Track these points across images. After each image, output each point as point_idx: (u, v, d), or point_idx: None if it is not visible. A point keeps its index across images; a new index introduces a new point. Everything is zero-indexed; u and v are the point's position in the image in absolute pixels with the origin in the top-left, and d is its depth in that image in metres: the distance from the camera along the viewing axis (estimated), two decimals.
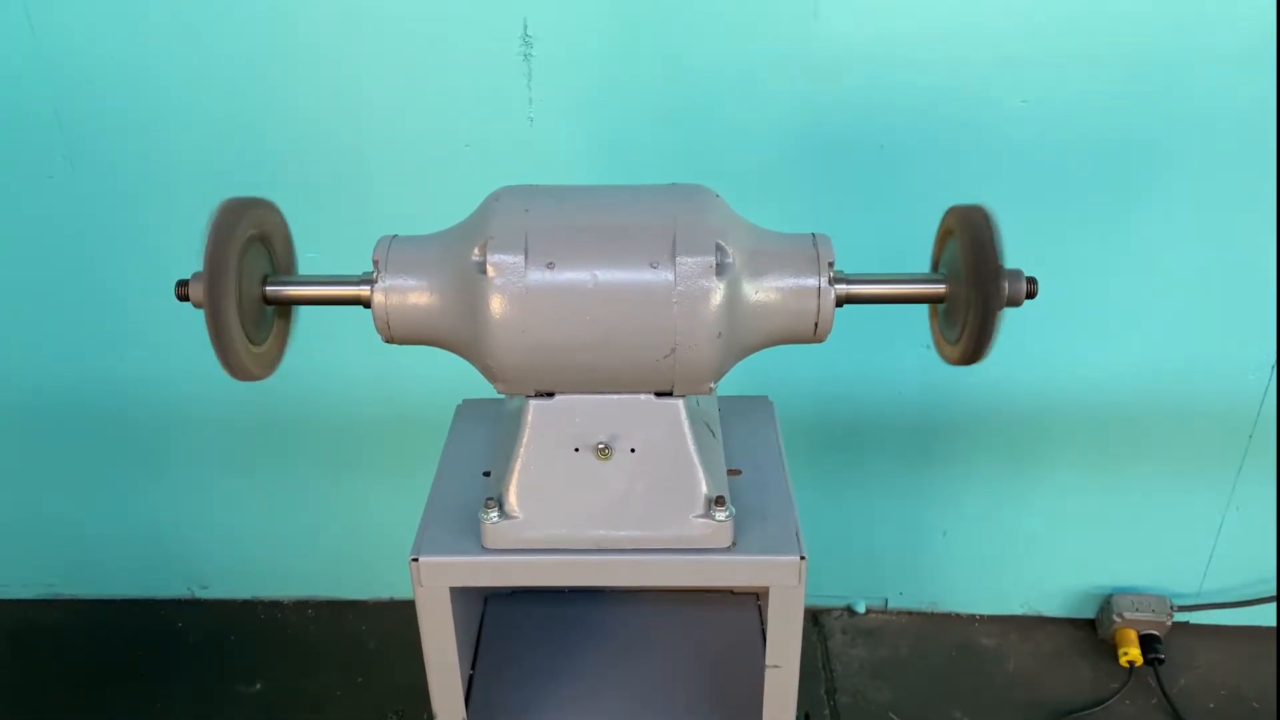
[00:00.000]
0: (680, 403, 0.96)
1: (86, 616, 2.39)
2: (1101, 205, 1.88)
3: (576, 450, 0.96)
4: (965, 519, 2.26)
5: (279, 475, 2.27)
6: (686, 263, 0.88)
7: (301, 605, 2.41)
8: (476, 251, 0.89)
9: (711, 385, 0.95)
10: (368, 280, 0.95)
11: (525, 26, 1.75)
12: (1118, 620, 2.24)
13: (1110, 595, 2.28)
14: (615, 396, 0.95)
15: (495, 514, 0.96)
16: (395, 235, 0.96)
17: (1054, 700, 2.16)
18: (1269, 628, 2.29)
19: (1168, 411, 2.09)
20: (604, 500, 0.96)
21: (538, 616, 1.33)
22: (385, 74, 1.79)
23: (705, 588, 1.38)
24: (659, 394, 0.95)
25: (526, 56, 1.77)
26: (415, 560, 0.98)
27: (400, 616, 2.31)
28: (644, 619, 1.35)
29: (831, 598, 2.39)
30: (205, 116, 1.85)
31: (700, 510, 0.96)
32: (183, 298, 0.96)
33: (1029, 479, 2.20)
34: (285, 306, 1.01)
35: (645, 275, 0.88)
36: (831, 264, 0.94)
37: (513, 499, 0.96)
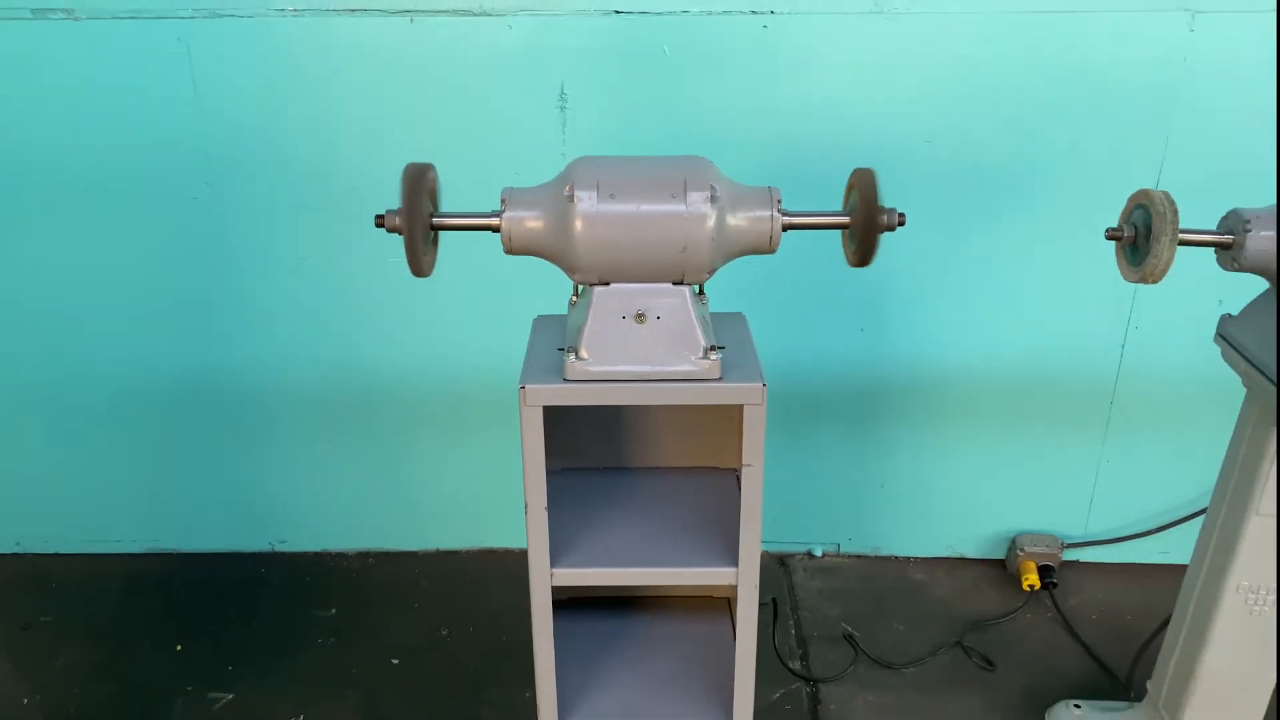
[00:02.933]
0: (687, 289, 1.56)
1: (186, 566, 2.90)
2: (985, 217, 2.52)
3: (624, 318, 1.56)
4: (898, 475, 2.85)
5: (345, 446, 2.82)
6: (693, 196, 1.50)
7: (364, 555, 2.94)
8: (566, 190, 1.51)
9: (706, 275, 1.55)
10: (496, 214, 1.56)
11: (563, 88, 2.41)
12: (1020, 554, 2.82)
13: (1015, 536, 2.87)
14: (647, 285, 1.56)
15: (573, 357, 1.56)
16: (512, 186, 1.58)
17: (970, 615, 2.71)
18: (1142, 563, 2.88)
19: (1047, 382, 2.70)
20: (640, 348, 1.55)
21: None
22: (450, 124, 2.43)
23: (699, 465, 1.96)
24: (674, 283, 1.56)
25: (563, 109, 2.43)
26: (523, 388, 1.56)
27: (447, 564, 2.88)
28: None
29: (794, 544, 2.95)
30: (307, 162, 2.47)
31: (700, 354, 1.56)
32: (379, 225, 1.55)
33: (946, 440, 2.79)
34: (435, 234, 1.60)
35: (668, 204, 1.50)
36: (779, 203, 1.56)
37: (583, 348, 1.56)
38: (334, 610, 2.72)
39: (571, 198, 1.50)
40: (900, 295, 2.63)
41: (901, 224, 1.57)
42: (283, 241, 2.57)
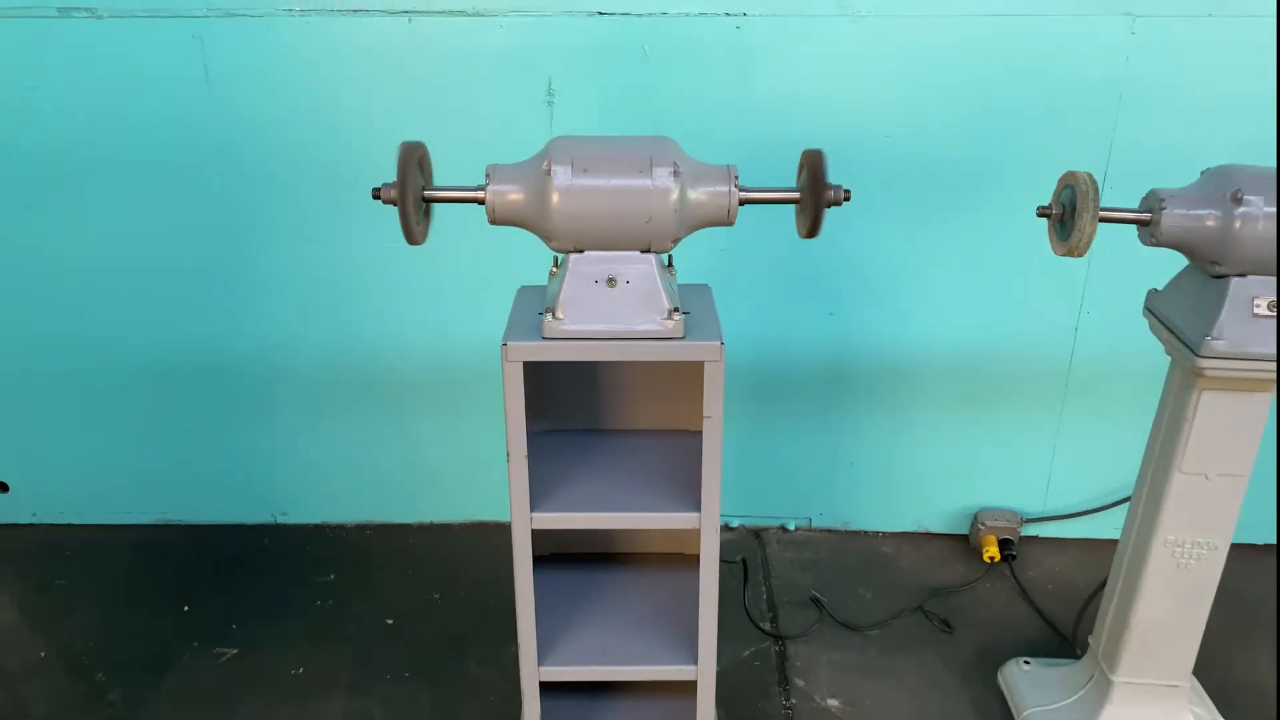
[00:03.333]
0: (653, 256, 1.73)
1: (192, 537, 3.06)
2: (944, 207, 2.70)
3: (596, 282, 1.73)
4: (866, 453, 3.01)
5: (343, 424, 2.99)
6: (658, 172, 1.67)
7: (361, 528, 3.11)
8: (544, 165, 1.68)
9: (670, 244, 1.73)
10: (481, 188, 1.73)
11: (550, 83, 2.59)
12: (981, 529, 2.98)
13: (977, 512, 3.03)
14: (617, 252, 1.73)
15: (550, 317, 1.73)
16: (495, 164, 1.75)
17: (933, 584, 2.88)
18: (1097, 539, 3.04)
19: (1005, 365, 2.87)
20: (611, 309, 1.72)
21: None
22: (445, 117, 2.60)
23: (671, 428, 2.13)
24: (642, 251, 1.73)
25: (550, 103, 2.61)
26: (505, 345, 1.73)
27: (439, 536, 3.05)
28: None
29: (768, 518, 3.12)
30: (312, 152, 2.64)
31: (665, 315, 1.73)
32: (376, 197, 1.72)
33: (912, 421, 2.96)
34: (429, 205, 1.78)
35: (635, 179, 1.67)
36: (736, 179, 1.73)
37: (560, 309, 1.73)
38: (332, 576, 2.89)
39: (549, 172, 1.67)
40: (866, 282, 2.80)
41: (847, 199, 1.74)
42: (288, 226, 2.74)
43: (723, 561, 2.73)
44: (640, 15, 2.52)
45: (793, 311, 2.85)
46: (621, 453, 2.08)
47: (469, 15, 2.52)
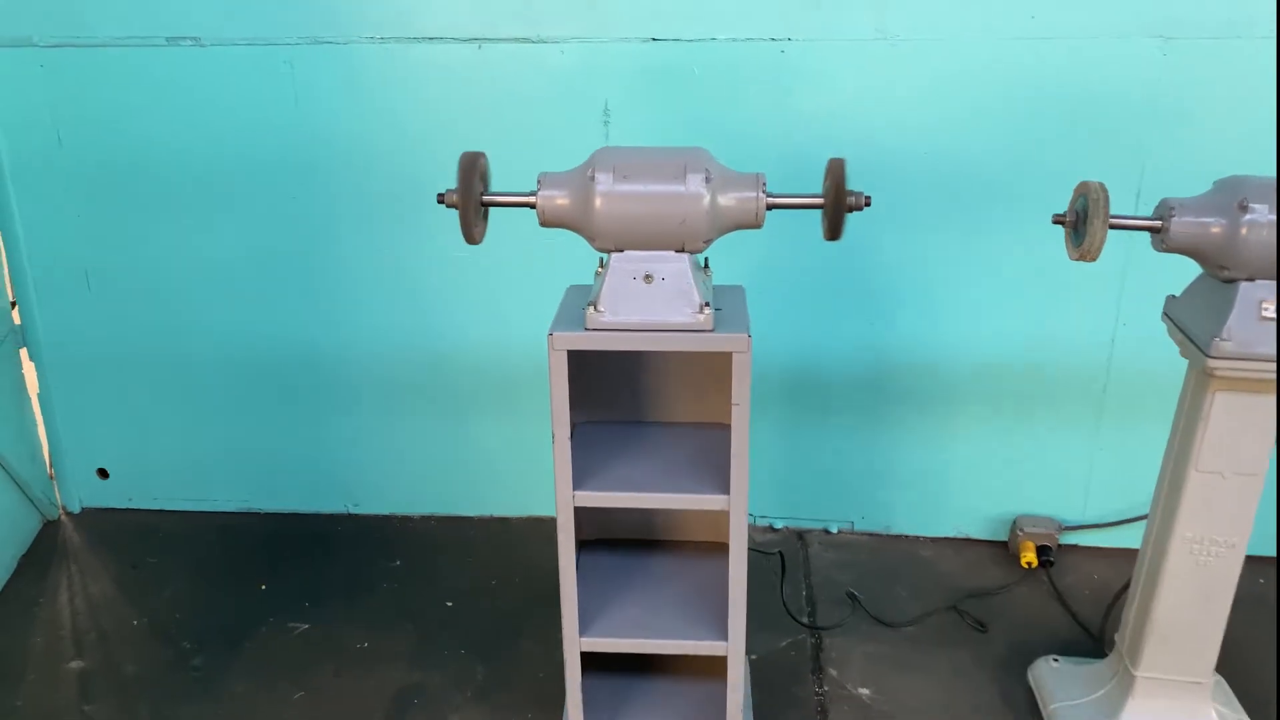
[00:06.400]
0: (687, 256, 1.90)
1: (272, 524, 3.30)
2: (983, 221, 2.81)
3: (634, 279, 1.90)
4: (907, 459, 3.12)
5: (412, 420, 3.20)
6: (691, 179, 1.84)
7: (427, 519, 3.31)
8: (589, 173, 1.86)
9: (703, 244, 1.89)
10: (533, 194, 1.92)
11: (606, 104, 2.78)
12: (1020, 535, 3.06)
13: (1016, 518, 3.11)
14: (654, 252, 1.90)
15: (592, 310, 1.90)
16: (546, 171, 1.94)
17: (970, 587, 2.96)
18: (1135, 548, 3.08)
19: (1044, 373, 2.96)
20: (647, 303, 1.89)
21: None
22: (510, 135, 2.81)
23: (707, 421, 2.28)
24: (677, 250, 1.90)
25: (606, 123, 2.80)
26: (551, 334, 1.91)
27: (499, 529, 3.23)
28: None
29: (811, 521, 3.24)
30: (387, 165, 2.87)
31: (696, 309, 1.89)
32: (440, 201, 1.92)
33: (953, 427, 3.06)
34: (486, 209, 1.97)
35: (670, 184, 1.85)
36: (764, 185, 1.89)
37: (601, 302, 1.90)
38: (398, 562, 3.09)
39: (592, 178, 1.86)
40: (906, 291, 2.92)
41: (868, 204, 1.89)
42: (364, 235, 2.97)
43: (761, 553, 2.90)
44: (691, 40, 2.70)
45: (835, 319, 2.98)
46: (659, 442, 2.24)
47: (533, 42, 2.74)
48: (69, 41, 2.83)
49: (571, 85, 2.77)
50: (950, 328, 2.94)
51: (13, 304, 3.13)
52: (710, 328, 1.90)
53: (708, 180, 1.85)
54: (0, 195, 3.00)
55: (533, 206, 1.93)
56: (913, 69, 2.69)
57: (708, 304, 1.90)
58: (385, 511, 3.34)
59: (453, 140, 2.81)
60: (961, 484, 3.13)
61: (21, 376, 3.19)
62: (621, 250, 1.91)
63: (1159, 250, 2.00)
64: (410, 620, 2.83)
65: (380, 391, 3.18)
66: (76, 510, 3.36)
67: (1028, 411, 3.02)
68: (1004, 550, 3.13)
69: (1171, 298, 2.14)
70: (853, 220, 2.81)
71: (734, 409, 1.95)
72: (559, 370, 1.94)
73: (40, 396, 3.23)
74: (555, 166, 2.76)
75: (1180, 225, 1.93)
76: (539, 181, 1.93)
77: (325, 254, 3.01)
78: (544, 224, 1.94)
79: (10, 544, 3.08)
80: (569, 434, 1.99)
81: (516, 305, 3.00)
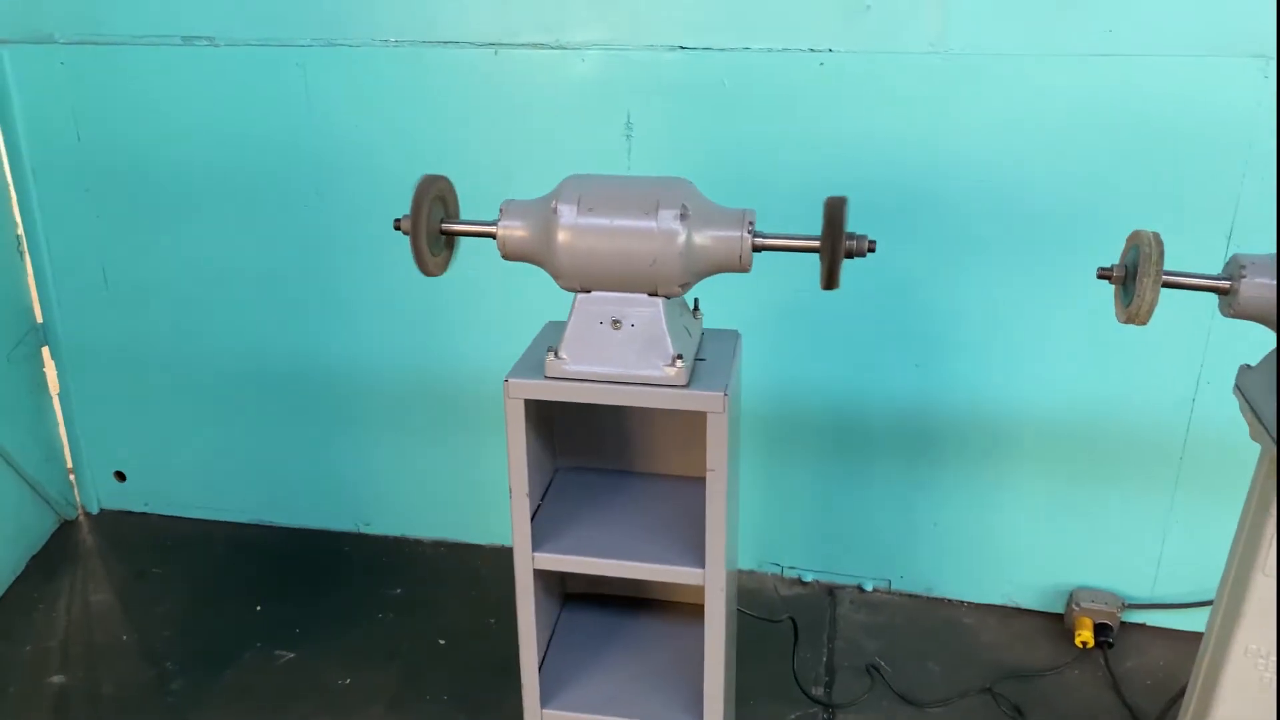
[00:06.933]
0: (661, 300, 1.67)
1: (282, 538, 3.20)
2: (1050, 259, 2.49)
3: (601, 323, 1.69)
4: (954, 516, 2.82)
5: (427, 441, 3.05)
6: (663, 214, 1.62)
7: (437, 544, 3.16)
8: (552, 204, 1.66)
9: (678, 289, 1.66)
10: (494, 223, 1.72)
11: (629, 117, 2.57)
12: (1076, 609, 2.73)
13: (1073, 590, 2.78)
14: (624, 294, 1.68)
15: (553, 356, 1.70)
16: (511, 199, 1.74)
17: (1012, 665, 2.65)
18: None
19: (1114, 432, 2.62)
20: (614, 352, 1.68)
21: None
22: (525, 147, 2.63)
23: (698, 475, 2.05)
24: (649, 294, 1.68)
25: (628, 137, 2.59)
26: (506, 381, 1.71)
27: (507, 561, 3.03)
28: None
29: (844, 576, 2.96)
30: (400, 174, 2.66)
31: (668, 360, 1.66)
32: (397, 228, 1.74)
33: (1005, 484, 2.75)
34: (451, 237, 1.78)
35: (640, 220, 1.62)
36: (751, 223, 1.65)
37: (563, 348, 1.69)
38: (399, 590, 2.95)
39: (555, 210, 1.65)
40: (958, 334, 2.63)
41: (871, 250, 1.63)
42: (380, 246, 2.82)
43: (768, 621, 2.63)
44: (722, 50, 2.47)
45: (878, 361, 2.70)
46: (641, 497, 2.02)
47: (552, 48, 2.54)
48: (88, 39, 2.76)
49: (592, 95, 2.57)
50: (1009, 375, 2.64)
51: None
52: (683, 383, 1.67)
53: (682, 217, 1.62)
54: (23, 192, 2.96)
55: (494, 237, 1.73)
56: (972, 88, 2.39)
57: (681, 356, 1.67)
58: (396, 533, 3.20)
59: (464, 149, 2.68)
60: (1014, 547, 2.82)
61: (43, 375, 3.16)
62: (589, 291, 1.70)
63: (1225, 315, 1.68)
64: (399, 658, 2.68)
65: (396, 409, 3.04)
66: (95, 511, 3.33)
67: (1094, 473, 2.69)
68: (1057, 625, 2.81)
69: (1245, 368, 1.81)
70: (903, 254, 2.57)
71: (709, 475, 1.71)
72: (516, 420, 1.74)
73: (60, 396, 3.20)
74: None
75: (1252, 288, 1.61)
76: (501, 210, 1.73)
77: (338, 265, 2.88)
78: (506, 257, 1.74)
79: (19, 545, 3.05)
80: (526, 490, 1.79)
81: (537, 328, 2.81)
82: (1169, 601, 2.74)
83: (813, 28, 2.41)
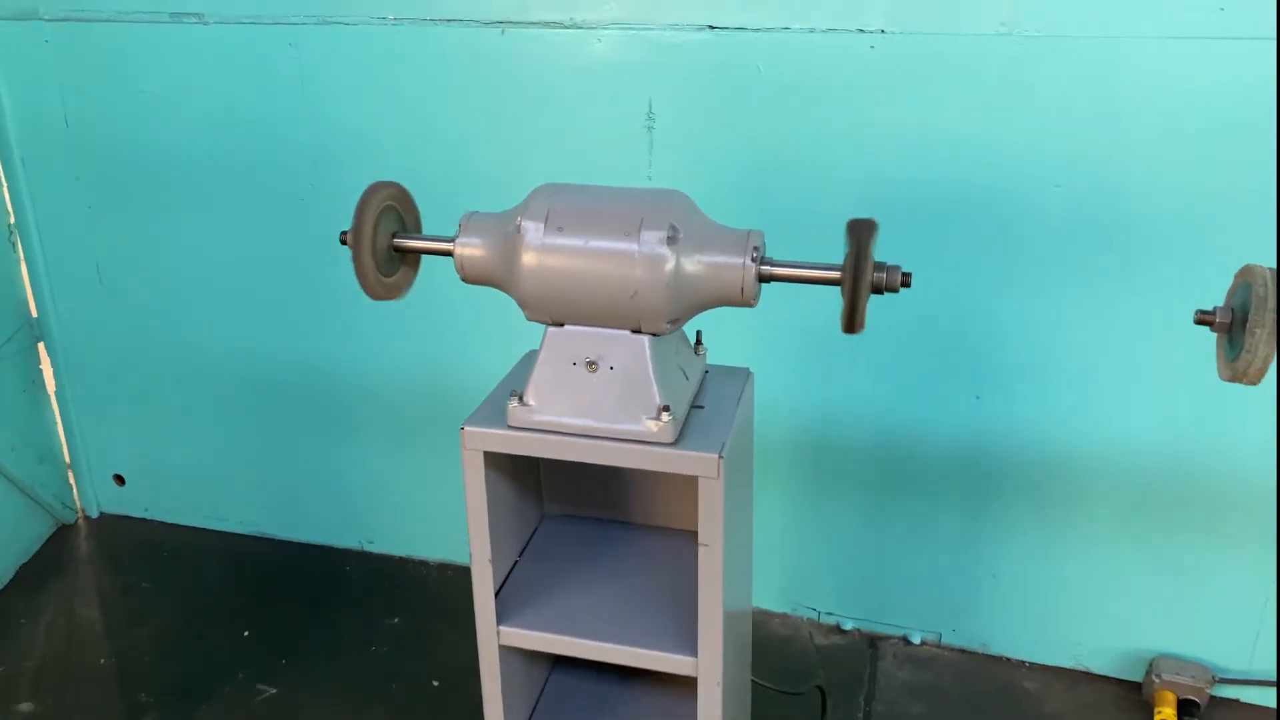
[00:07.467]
0: (646, 338, 1.37)
1: (282, 553, 2.99)
2: (1133, 277, 2.13)
3: (574, 364, 1.40)
4: (1015, 565, 2.47)
5: (436, 458, 2.79)
6: (647, 235, 1.31)
7: (444, 566, 2.92)
8: (517, 220, 1.36)
9: (666, 326, 1.36)
10: (451, 239, 1.44)
11: (650, 105, 2.26)
12: (1157, 681, 2.37)
13: (1154, 658, 2.41)
14: (603, 330, 1.39)
15: (516, 402, 1.41)
16: (475, 211, 1.45)
17: None
18: None
19: (1207, 481, 2.25)
20: (588, 399, 1.39)
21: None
22: (536, 136, 2.35)
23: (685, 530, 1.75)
24: (632, 330, 1.38)
25: (650, 128, 2.28)
26: (463, 429, 1.43)
27: None
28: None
29: (889, 626, 2.63)
30: (401, 163, 2.44)
31: (653, 414, 1.37)
32: (343, 243, 1.47)
33: (1077, 533, 2.39)
34: (410, 254, 1.51)
35: (619, 242, 1.32)
36: (757, 249, 1.34)
37: (529, 393, 1.41)
38: (397, 620, 2.71)
39: (519, 228, 1.36)
40: (1024, 363, 2.28)
41: (906, 285, 1.31)
42: None
43: (791, 695, 2.30)
44: (757, 30, 2.14)
45: (934, 389, 2.36)
46: (635, 555, 1.73)
47: (565, 27, 2.24)
48: (74, 15, 2.55)
49: (610, 80, 2.26)
50: (1078, 409, 2.28)
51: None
52: (668, 440, 1.37)
53: (670, 239, 1.31)
54: (12, 181, 2.78)
55: (449, 255, 1.45)
56: (1049, 76, 2.03)
57: (668, 408, 1.37)
58: (400, 553, 2.96)
59: (470, 137, 2.40)
60: (1085, 604, 2.46)
61: (39, 372, 2.99)
62: (561, 325, 1.41)
63: None
64: (387, 700, 2.45)
65: (404, 424, 2.79)
66: (94, 515, 3.16)
67: (1180, 526, 2.32)
68: (1133, 695, 2.44)
69: None
70: (966, 268, 2.22)
71: (701, 551, 1.41)
72: (474, 474, 1.46)
73: (57, 395, 3.02)
74: (584, 178, 2.28)
75: None
76: (460, 225, 1.45)
77: (345, 261, 2.63)
78: (466, 280, 1.46)
79: (8, 553, 2.89)
80: (489, 555, 1.51)
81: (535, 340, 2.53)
82: (1267, 678, 2.35)
83: (862, 5, 2.07)
